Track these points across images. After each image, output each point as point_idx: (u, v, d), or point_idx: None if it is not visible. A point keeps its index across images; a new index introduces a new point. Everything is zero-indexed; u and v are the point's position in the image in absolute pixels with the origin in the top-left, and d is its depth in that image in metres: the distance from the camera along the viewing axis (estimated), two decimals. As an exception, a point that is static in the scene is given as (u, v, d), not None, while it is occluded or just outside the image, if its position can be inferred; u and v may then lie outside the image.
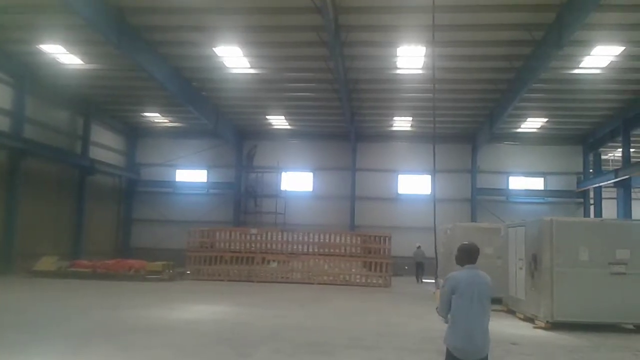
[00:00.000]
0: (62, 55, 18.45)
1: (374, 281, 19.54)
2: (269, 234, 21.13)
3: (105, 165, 25.99)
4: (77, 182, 24.47)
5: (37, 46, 17.77)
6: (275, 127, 27.86)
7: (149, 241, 27.90)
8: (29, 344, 7.45)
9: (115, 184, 28.38)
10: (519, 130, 26.27)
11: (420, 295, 17.08)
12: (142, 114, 26.70)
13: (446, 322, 4.44)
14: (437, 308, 4.61)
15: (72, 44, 17.52)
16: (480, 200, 27.17)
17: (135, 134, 29.48)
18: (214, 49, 17.44)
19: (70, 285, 16.39)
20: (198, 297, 14.43)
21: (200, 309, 11.92)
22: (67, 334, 8.44)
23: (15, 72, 19.54)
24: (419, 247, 22.61)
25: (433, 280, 18.84)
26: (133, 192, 29.35)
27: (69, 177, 23.92)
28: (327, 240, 20.59)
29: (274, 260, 20.30)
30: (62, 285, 16.32)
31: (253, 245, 20.61)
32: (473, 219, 26.15)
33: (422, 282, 21.90)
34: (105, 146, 27.17)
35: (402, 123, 26.09)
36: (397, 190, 28.31)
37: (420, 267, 22.56)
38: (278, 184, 28.81)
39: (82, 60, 18.89)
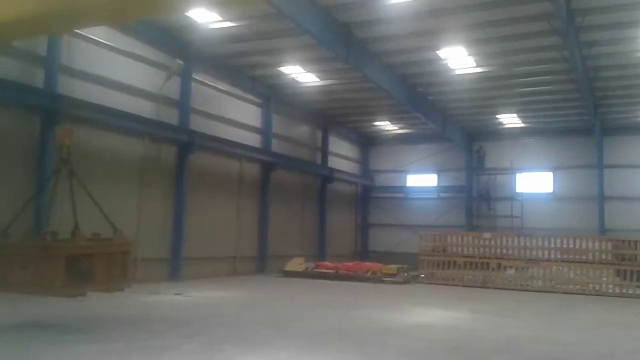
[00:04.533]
0: (299, 74, 20.23)
1: (631, 292, 17.18)
2: (505, 238, 20.07)
3: (342, 174, 27.75)
4: (318, 190, 26.52)
5: (277, 68, 19.76)
6: (507, 125, 26.51)
7: (384, 245, 28.96)
8: (272, 339, 8.26)
9: (352, 190, 30.06)
10: None
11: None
12: (373, 124, 27.86)
13: None
14: None
15: (307, 63, 19.08)
16: None
17: (368, 143, 30.90)
18: (437, 52, 17.34)
19: (315, 284, 17.82)
20: (431, 301, 14.40)
21: (432, 314, 11.89)
22: (308, 330, 9.16)
23: (262, 94, 22.03)
24: None
25: None
26: (368, 198, 30.75)
27: (311, 185, 26.06)
28: (571, 246, 18.73)
29: (511, 267, 19.22)
30: (308, 284, 17.82)
31: (487, 250, 19.77)
32: None
33: None
34: (342, 155, 29.00)
35: (658, 111, 22.64)
36: (657, 188, 24.60)
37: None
38: (513, 185, 27.36)
39: (317, 77, 20.46)
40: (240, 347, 7.53)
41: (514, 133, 27.22)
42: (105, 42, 15.30)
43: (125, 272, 8.80)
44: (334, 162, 27.64)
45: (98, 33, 14.81)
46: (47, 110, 13.38)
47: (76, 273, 8.00)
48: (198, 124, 18.51)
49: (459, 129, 26.99)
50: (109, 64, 15.57)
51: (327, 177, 26.38)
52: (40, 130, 13.46)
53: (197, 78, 18.63)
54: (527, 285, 18.44)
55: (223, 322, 9.79)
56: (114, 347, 7.18)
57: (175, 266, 17.36)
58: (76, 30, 13.56)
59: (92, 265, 8.22)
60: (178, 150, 17.75)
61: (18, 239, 8.31)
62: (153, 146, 16.93)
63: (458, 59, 17.97)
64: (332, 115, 26.44)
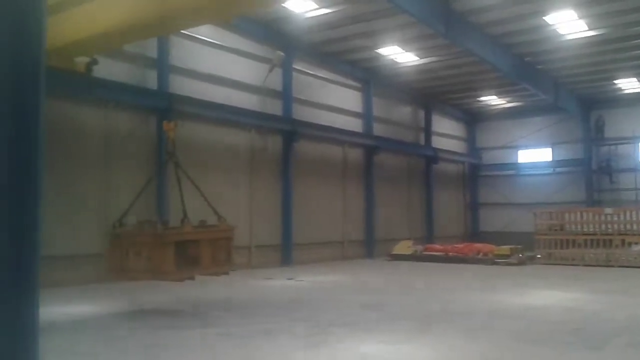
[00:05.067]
0: (398, 55, 19.92)
1: None
2: (629, 212, 18.69)
3: (448, 153, 27.12)
4: (424, 171, 26.11)
5: (375, 51, 19.60)
6: (627, 91, 24.48)
7: (495, 225, 27.96)
8: (380, 322, 8.32)
9: (459, 170, 29.30)
10: None
11: None
12: (478, 99, 26.87)
13: None
14: None
15: (406, 42, 18.71)
16: None
17: (474, 119, 29.87)
18: (544, 18, 16.34)
19: (424, 267, 17.67)
20: (548, 282, 13.73)
21: (550, 295, 11.34)
22: (416, 314, 9.12)
23: (361, 78, 22.01)
24: None
25: None
26: (477, 177, 29.81)
27: (416, 166, 25.71)
28: None
29: (636, 243, 17.88)
30: (417, 267, 17.72)
31: (610, 227, 18.52)
32: None
33: None
34: (447, 135, 28.30)
35: None
36: None
37: None
38: (637, 155, 25.30)
39: (416, 56, 20.04)
40: (349, 329, 7.66)
41: (635, 99, 25.06)
42: (209, 40, 16.02)
43: (229, 256, 9.31)
44: (439, 142, 27.06)
45: (202, 32, 15.53)
46: (161, 109, 14.28)
47: (185, 258, 8.61)
48: (300, 112, 18.90)
49: (573, 98, 25.30)
50: (215, 61, 16.32)
51: (432, 157, 25.90)
52: (156, 128, 14.41)
53: (297, 67, 18.99)
54: (657, 262, 17.09)
55: (333, 305, 10.01)
56: (232, 331, 7.58)
57: (286, 252, 17.97)
58: (182, 31, 14.30)
59: (199, 251, 8.81)
60: (283, 139, 18.27)
61: (132, 228, 9.03)
62: (260, 137, 17.55)
63: (567, 24, 16.83)
64: (434, 94, 25.83)
